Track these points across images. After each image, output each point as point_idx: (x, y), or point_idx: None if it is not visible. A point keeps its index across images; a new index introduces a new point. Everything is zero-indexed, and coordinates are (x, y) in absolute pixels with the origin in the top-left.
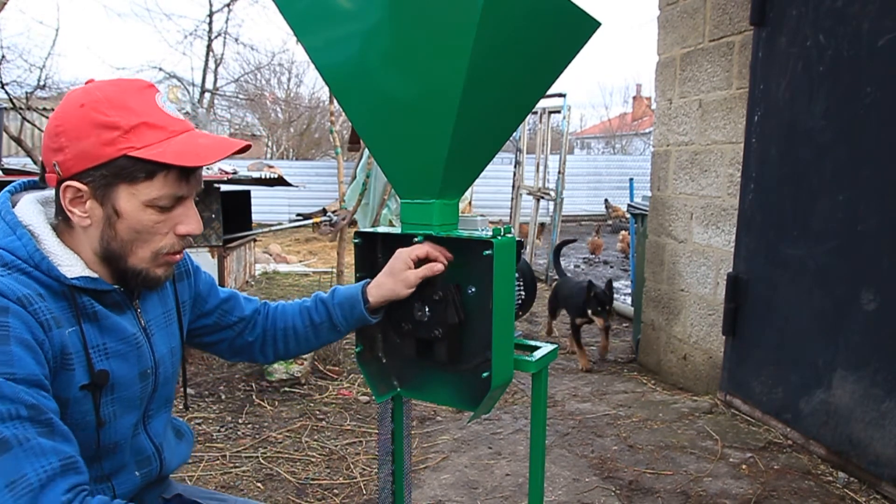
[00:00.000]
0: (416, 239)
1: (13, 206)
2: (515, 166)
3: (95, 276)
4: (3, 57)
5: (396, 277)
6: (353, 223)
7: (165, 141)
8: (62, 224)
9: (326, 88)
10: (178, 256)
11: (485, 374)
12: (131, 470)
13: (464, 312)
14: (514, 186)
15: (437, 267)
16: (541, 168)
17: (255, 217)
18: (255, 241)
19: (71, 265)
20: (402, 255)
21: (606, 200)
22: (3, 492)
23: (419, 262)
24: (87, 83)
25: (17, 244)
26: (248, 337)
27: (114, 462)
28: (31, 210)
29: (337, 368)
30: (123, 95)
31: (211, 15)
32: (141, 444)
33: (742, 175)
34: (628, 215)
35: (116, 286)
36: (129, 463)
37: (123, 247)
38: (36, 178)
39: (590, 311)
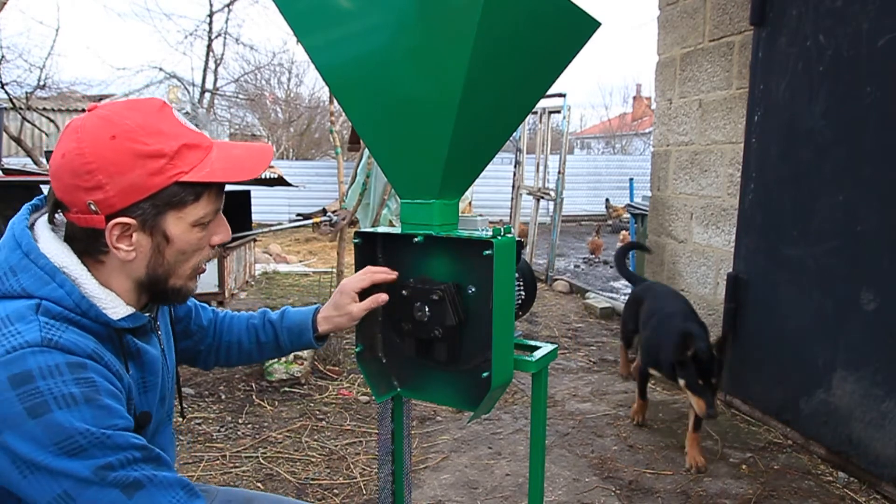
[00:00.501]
0: (415, 239)
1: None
2: (515, 166)
3: (133, 310)
4: (3, 57)
5: (341, 311)
6: (353, 223)
7: (206, 159)
8: (89, 259)
9: (326, 88)
10: (206, 268)
11: (485, 374)
12: None
13: (464, 312)
14: (514, 186)
15: (382, 298)
16: (541, 168)
17: (255, 217)
18: (255, 241)
19: (115, 306)
20: (346, 289)
21: (607, 200)
22: None
23: (366, 293)
24: (90, 110)
25: (60, 293)
26: (200, 346)
27: None
28: (60, 249)
29: (337, 368)
30: (152, 119)
31: (211, 15)
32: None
33: (742, 175)
34: (628, 215)
35: (149, 314)
36: None
37: (168, 269)
38: (34, 199)
39: (682, 381)
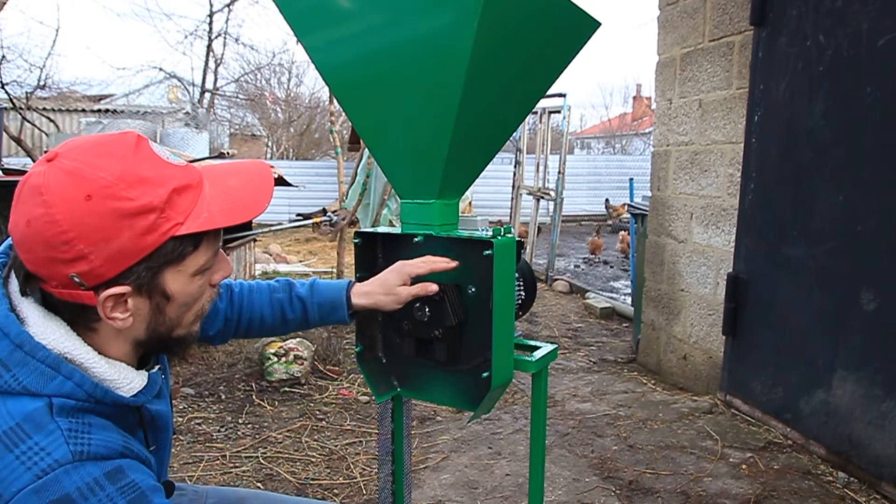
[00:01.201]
0: (415, 239)
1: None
2: (515, 166)
3: (146, 378)
4: (4, 57)
5: (388, 291)
6: (353, 223)
7: (201, 199)
8: (79, 328)
9: (326, 88)
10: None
11: (485, 374)
12: None
13: (463, 313)
14: (514, 186)
15: (432, 288)
16: (541, 168)
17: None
18: (255, 241)
19: (129, 382)
20: (402, 270)
21: (607, 200)
22: None
23: (416, 280)
24: (49, 160)
25: (69, 387)
26: (208, 330)
27: None
28: (55, 330)
29: (337, 368)
30: (130, 165)
31: (211, 15)
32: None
33: (742, 175)
34: (628, 215)
35: (157, 368)
36: None
37: (171, 324)
38: None
39: None
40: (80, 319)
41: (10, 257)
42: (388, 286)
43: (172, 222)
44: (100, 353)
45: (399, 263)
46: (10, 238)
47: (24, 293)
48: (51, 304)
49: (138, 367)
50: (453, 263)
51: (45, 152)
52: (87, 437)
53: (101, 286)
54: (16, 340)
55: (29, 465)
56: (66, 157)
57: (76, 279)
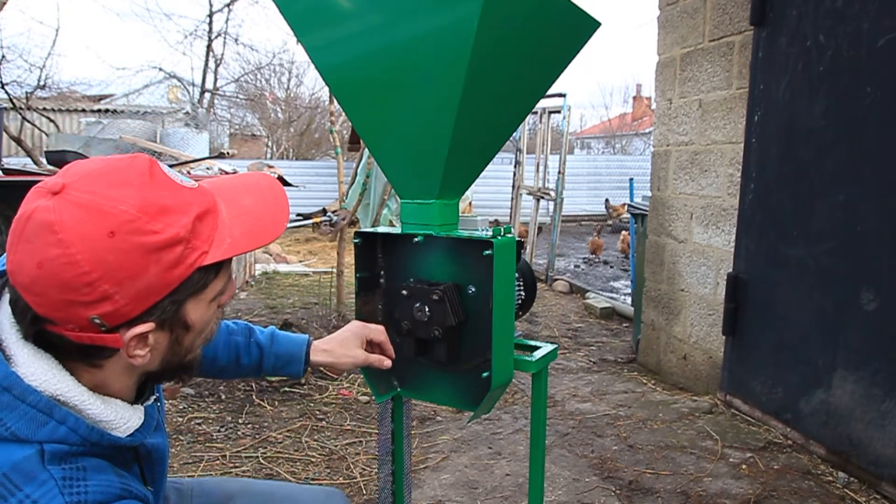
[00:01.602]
0: (415, 239)
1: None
2: (515, 166)
3: (142, 413)
4: (4, 57)
5: (347, 352)
6: (353, 223)
7: (220, 224)
8: (81, 364)
9: (326, 88)
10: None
11: (485, 374)
12: None
13: (463, 313)
14: (514, 186)
15: (387, 363)
16: (541, 168)
17: None
18: None
19: (125, 421)
20: (360, 332)
21: (607, 200)
22: None
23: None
24: (56, 192)
25: (63, 432)
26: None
27: None
28: (46, 370)
29: None
30: (149, 193)
31: (211, 15)
32: None
33: (742, 175)
34: (628, 215)
35: (153, 399)
36: None
37: (184, 353)
38: None
39: None
40: (89, 358)
41: (10, 302)
42: (348, 346)
43: (199, 252)
44: (97, 389)
45: (358, 325)
46: None
47: (26, 336)
48: (45, 341)
49: (135, 398)
50: (387, 362)
51: (46, 153)
52: (83, 485)
53: (123, 326)
54: (3, 383)
55: None
56: (75, 188)
57: (97, 321)
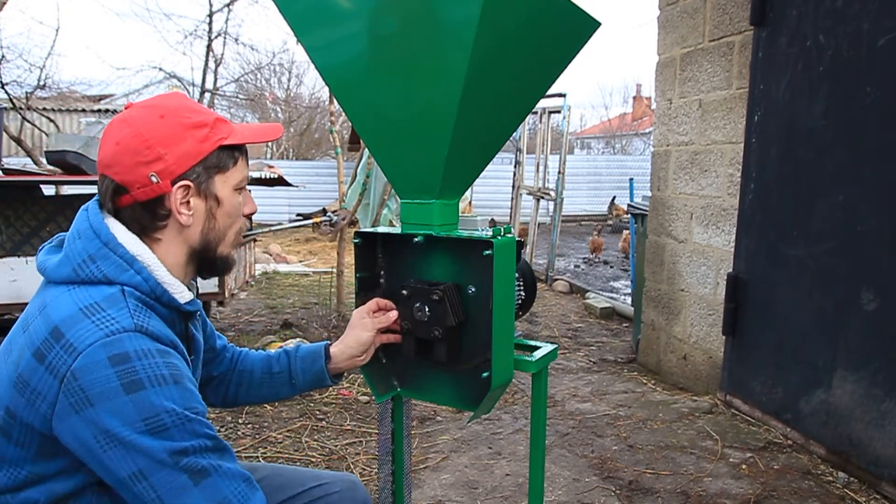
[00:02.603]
0: (415, 240)
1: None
2: (515, 166)
3: (192, 295)
4: (3, 57)
5: (354, 329)
6: (353, 223)
7: (234, 129)
8: (147, 239)
9: (326, 88)
10: (243, 238)
11: (485, 374)
12: None
13: (463, 313)
14: (514, 186)
15: (392, 314)
16: (541, 168)
17: (255, 217)
18: (255, 241)
19: (181, 292)
20: (357, 321)
21: (613, 199)
22: None
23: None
24: (127, 108)
25: (138, 280)
26: (213, 371)
27: None
28: (133, 239)
29: None
30: (186, 102)
31: (211, 15)
32: None
33: (742, 175)
34: (628, 215)
35: (198, 302)
36: None
37: (219, 235)
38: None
39: None
40: (150, 227)
41: (98, 189)
42: (353, 324)
43: (219, 136)
44: (164, 259)
45: (355, 315)
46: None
47: (109, 210)
48: (128, 222)
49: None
50: (392, 314)
51: (46, 153)
52: (147, 320)
53: (174, 181)
54: (104, 239)
55: (101, 327)
56: (139, 103)
57: (154, 178)
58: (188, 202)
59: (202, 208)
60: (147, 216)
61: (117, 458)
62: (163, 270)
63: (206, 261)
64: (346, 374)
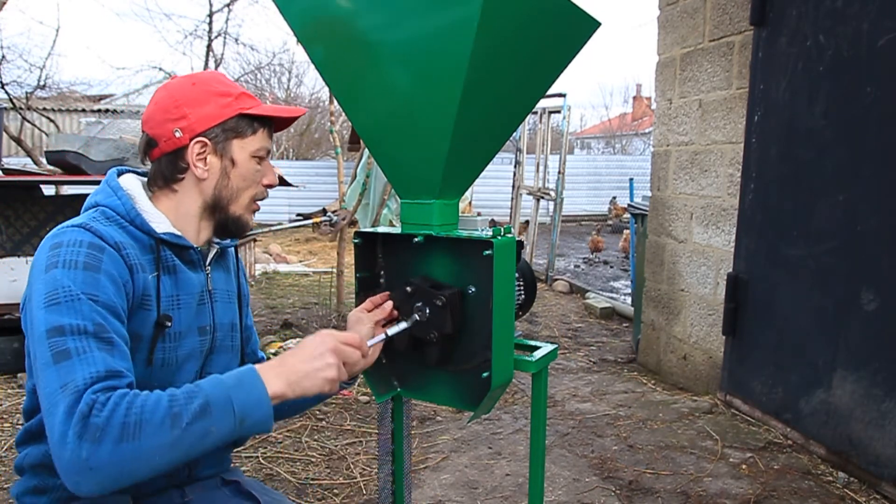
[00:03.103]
0: (415, 240)
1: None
2: (515, 166)
3: (179, 233)
4: (4, 57)
5: (352, 328)
6: (353, 223)
7: (259, 105)
8: (159, 191)
9: (326, 88)
10: (259, 205)
11: (485, 374)
12: None
13: (462, 321)
14: (514, 186)
15: (388, 305)
16: (541, 168)
17: (255, 217)
18: (255, 241)
19: (160, 223)
20: (351, 314)
21: (614, 198)
22: (57, 391)
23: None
24: (172, 78)
25: (116, 202)
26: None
27: None
28: (132, 180)
29: None
30: (220, 77)
31: (211, 15)
32: None
33: (742, 175)
34: (628, 215)
35: (195, 246)
36: None
37: (231, 193)
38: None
39: None
40: (171, 177)
41: (138, 146)
42: (351, 324)
43: (241, 105)
44: (172, 212)
45: (357, 318)
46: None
47: (142, 161)
48: (152, 176)
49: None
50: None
51: (46, 153)
52: (99, 225)
53: (193, 138)
54: (111, 185)
55: (62, 225)
56: (182, 75)
57: (177, 132)
58: (205, 158)
59: (217, 166)
60: (170, 167)
61: (27, 330)
62: (146, 203)
63: (220, 218)
64: (359, 378)
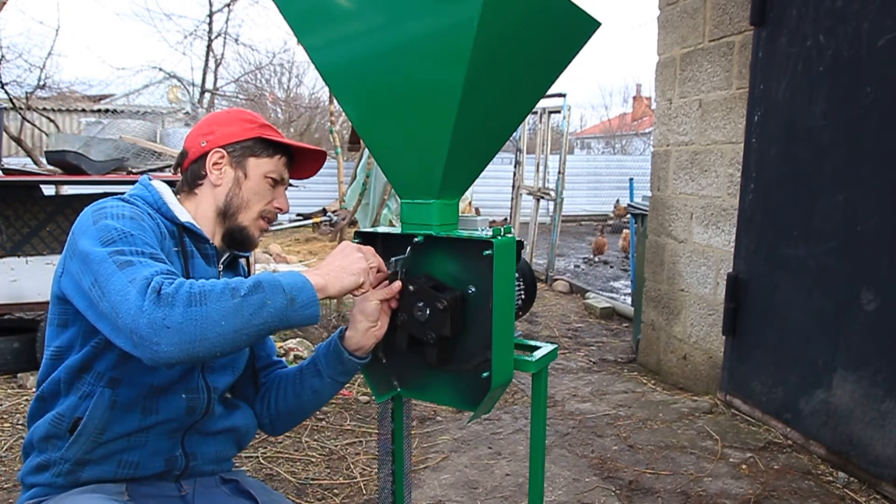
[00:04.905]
0: (415, 240)
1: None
2: (515, 166)
3: (199, 226)
4: (3, 57)
5: (358, 305)
6: (353, 223)
7: (279, 134)
8: (183, 195)
9: (326, 88)
10: (268, 224)
11: (485, 374)
12: (179, 392)
13: (461, 325)
14: (514, 186)
15: (396, 285)
16: (541, 168)
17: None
18: None
19: (183, 213)
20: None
21: (618, 201)
22: (127, 285)
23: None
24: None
25: (145, 194)
26: (261, 378)
27: (167, 375)
28: (162, 183)
29: None
30: (255, 113)
31: (211, 15)
32: (195, 379)
33: (742, 175)
34: (629, 215)
35: (211, 242)
36: (179, 387)
37: (241, 203)
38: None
39: None
40: (193, 181)
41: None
42: (357, 302)
43: (263, 131)
44: (196, 209)
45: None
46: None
47: (175, 170)
48: (182, 183)
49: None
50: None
51: (46, 153)
52: (135, 200)
53: (213, 148)
54: (142, 180)
55: (98, 203)
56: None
57: (203, 143)
58: (221, 168)
59: (231, 175)
60: (193, 173)
61: (83, 271)
62: (172, 198)
63: (229, 226)
64: (359, 378)
